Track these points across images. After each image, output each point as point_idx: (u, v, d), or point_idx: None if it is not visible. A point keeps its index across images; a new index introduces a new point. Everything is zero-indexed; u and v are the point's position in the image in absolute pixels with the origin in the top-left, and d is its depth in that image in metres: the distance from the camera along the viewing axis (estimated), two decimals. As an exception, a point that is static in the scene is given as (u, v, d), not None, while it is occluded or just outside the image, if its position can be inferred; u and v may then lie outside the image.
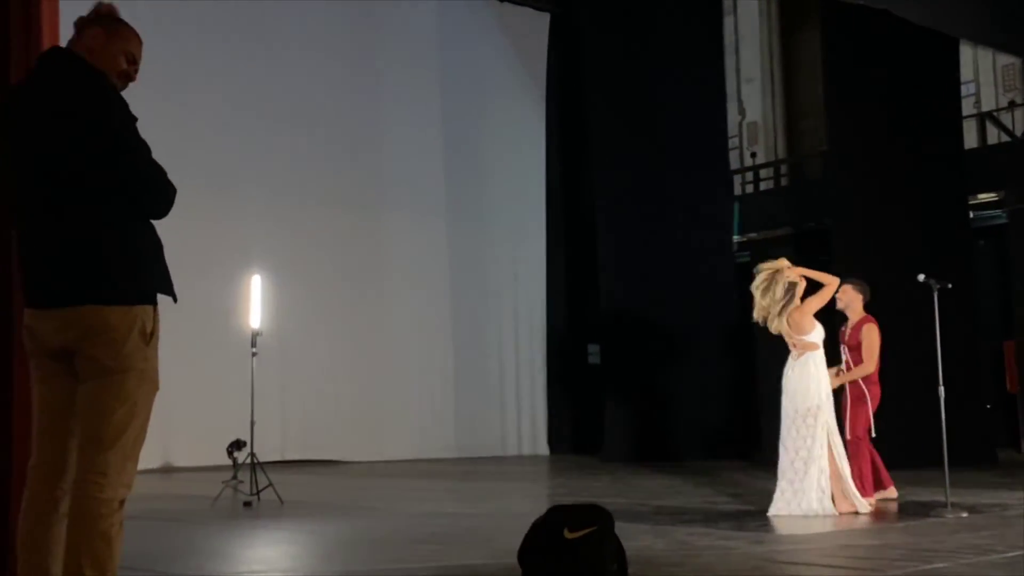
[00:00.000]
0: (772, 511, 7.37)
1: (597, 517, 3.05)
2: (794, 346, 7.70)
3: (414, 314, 15.68)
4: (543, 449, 16.78)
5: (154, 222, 3.29)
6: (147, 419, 3.33)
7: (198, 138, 13.62)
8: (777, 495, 7.45)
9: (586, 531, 2.97)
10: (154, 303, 3.28)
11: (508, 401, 16.67)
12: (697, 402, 14.40)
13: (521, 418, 16.77)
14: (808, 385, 7.55)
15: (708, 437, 14.24)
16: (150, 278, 3.26)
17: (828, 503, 7.35)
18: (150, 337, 3.23)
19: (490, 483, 11.49)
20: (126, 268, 3.17)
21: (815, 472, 7.40)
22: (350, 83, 15.32)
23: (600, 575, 2.92)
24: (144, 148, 3.20)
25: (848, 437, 8.02)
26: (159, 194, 3.20)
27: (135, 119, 3.23)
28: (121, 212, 3.16)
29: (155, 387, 3.31)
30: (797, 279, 7.74)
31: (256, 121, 14.33)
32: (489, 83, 16.74)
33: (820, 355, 7.62)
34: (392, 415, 15.19)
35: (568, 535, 2.98)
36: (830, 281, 7.72)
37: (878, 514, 7.44)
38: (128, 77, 3.33)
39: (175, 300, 3.33)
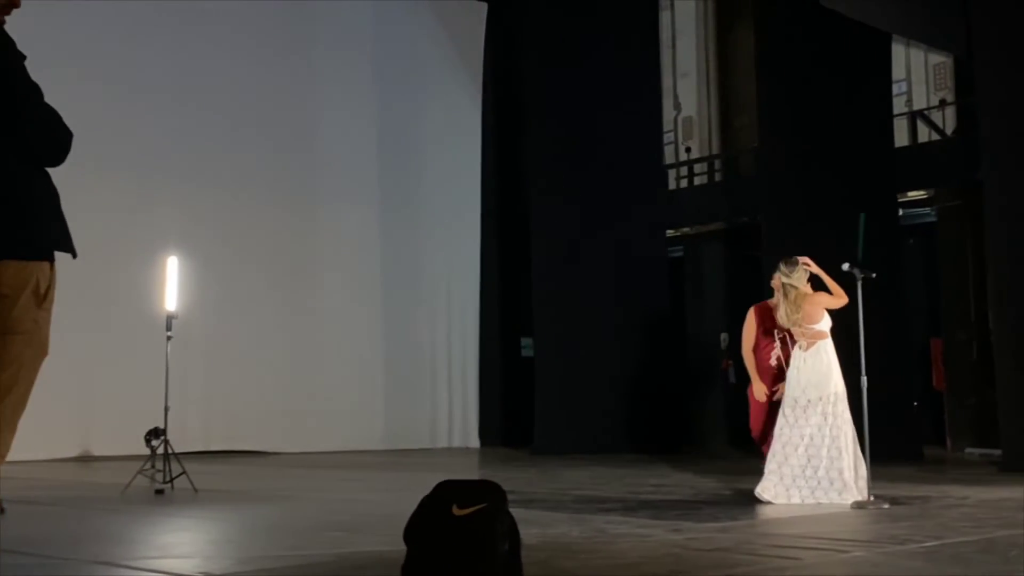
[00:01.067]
0: (799, 499, 7.30)
1: (488, 493, 2.91)
2: (802, 335, 7.65)
3: (345, 304, 15.52)
4: (474, 441, 16.68)
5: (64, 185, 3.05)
6: (30, 385, 3.08)
7: (123, 121, 13.40)
8: (790, 483, 7.38)
9: (476, 508, 2.83)
10: (51, 260, 3.04)
11: (439, 393, 16.55)
12: (628, 396, 14.37)
13: (452, 410, 16.65)
14: (830, 372, 7.55)
15: (638, 430, 14.21)
16: (46, 232, 3.01)
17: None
18: (44, 297, 2.99)
19: (415, 474, 11.32)
20: (19, 220, 2.92)
21: (848, 457, 7.36)
22: (283, 70, 15.12)
23: (490, 554, 2.77)
24: (36, 89, 2.97)
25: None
26: (54, 138, 2.97)
27: (24, 57, 2.99)
28: (11, 158, 2.91)
29: (44, 352, 3.06)
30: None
31: (186, 106, 14.16)
32: (425, 74, 16.59)
33: (831, 343, 7.66)
34: (321, 406, 15.00)
35: (457, 512, 2.84)
36: (841, 295, 7.65)
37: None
38: (11, 4, 3.01)
39: (74, 256, 3.10)
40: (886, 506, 7.04)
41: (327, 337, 15.27)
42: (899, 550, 5.06)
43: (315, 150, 15.46)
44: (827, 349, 7.64)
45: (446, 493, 2.92)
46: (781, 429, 7.55)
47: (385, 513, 6.50)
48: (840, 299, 7.69)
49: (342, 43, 15.71)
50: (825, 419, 7.46)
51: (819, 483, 7.39)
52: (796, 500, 7.36)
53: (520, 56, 15.68)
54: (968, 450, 13.46)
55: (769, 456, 7.60)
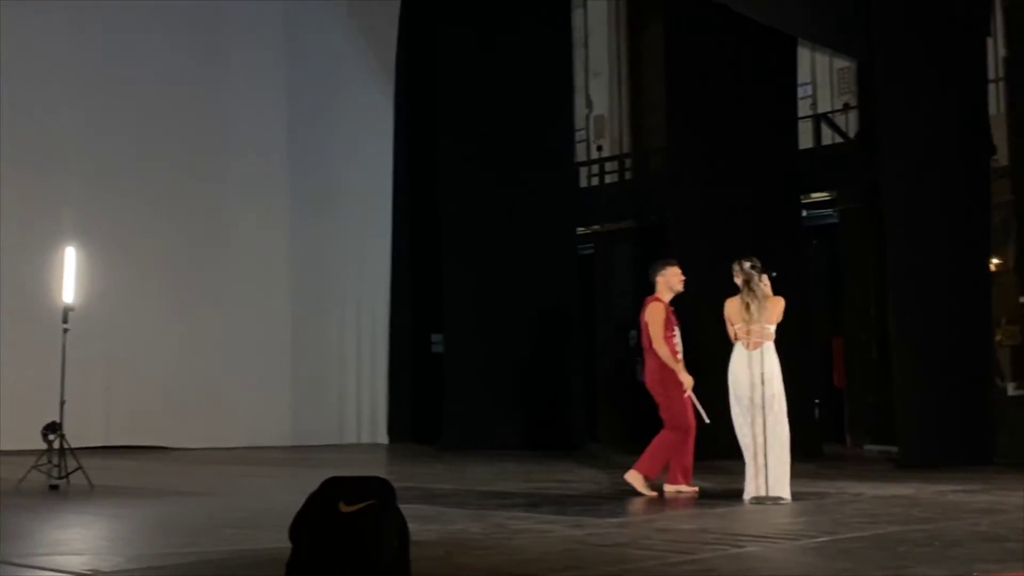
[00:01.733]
0: (754, 494, 7.41)
1: (376, 490, 2.88)
2: (759, 334, 7.77)
3: (252, 299, 15.34)
4: (382, 438, 16.61)
5: None
6: None
7: (24, 113, 13.16)
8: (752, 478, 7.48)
9: (364, 505, 2.81)
10: None
11: (348, 389, 16.46)
12: (537, 392, 14.41)
13: (361, 406, 16.56)
14: (776, 372, 7.78)
15: (547, 426, 14.26)
16: None
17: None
18: None
19: (322, 470, 11.20)
20: None
21: (787, 456, 7.61)
22: (191, 62, 14.92)
23: (377, 551, 2.75)
24: None
25: (676, 424, 8.00)
26: None
27: None
28: None
29: None
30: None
31: (89, 99, 13.97)
32: (337, 71, 16.47)
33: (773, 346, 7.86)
34: (225, 401, 14.82)
35: (344, 508, 2.81)
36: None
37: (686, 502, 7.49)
38: None
39: None
40: (783, 502, 7.16)
41: (233, 331, 15.07)
42: (793, 545, 5.16)
43: (222, 143, 15.25)
44: (773, 350, 7.82)
45: (333, 490, 2.89)
46: (741, 427, 7.66)
47: (284, 511, 6.43)
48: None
49: (252, 37, 15.52)
50: (775, 417, 7.66)
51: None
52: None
53: (433, 54, 15.63)
54: (867, 447, 13.75)
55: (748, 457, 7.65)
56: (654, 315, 8.12)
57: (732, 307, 7.88)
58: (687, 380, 8.06)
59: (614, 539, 5.33)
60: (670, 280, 8.30)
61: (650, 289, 8.40)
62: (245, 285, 15.30)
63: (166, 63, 14.62)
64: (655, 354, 8.06)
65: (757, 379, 7.62)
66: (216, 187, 15.13)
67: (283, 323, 15.77)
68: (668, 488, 7.89)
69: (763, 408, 7.58)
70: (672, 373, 8.02)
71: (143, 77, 14.40)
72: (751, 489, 7.46)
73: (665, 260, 8.56)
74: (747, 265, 7.86)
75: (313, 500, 2.90)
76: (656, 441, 8.00)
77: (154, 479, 9.65)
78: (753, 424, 7.60)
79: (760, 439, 7.52)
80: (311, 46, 16.18)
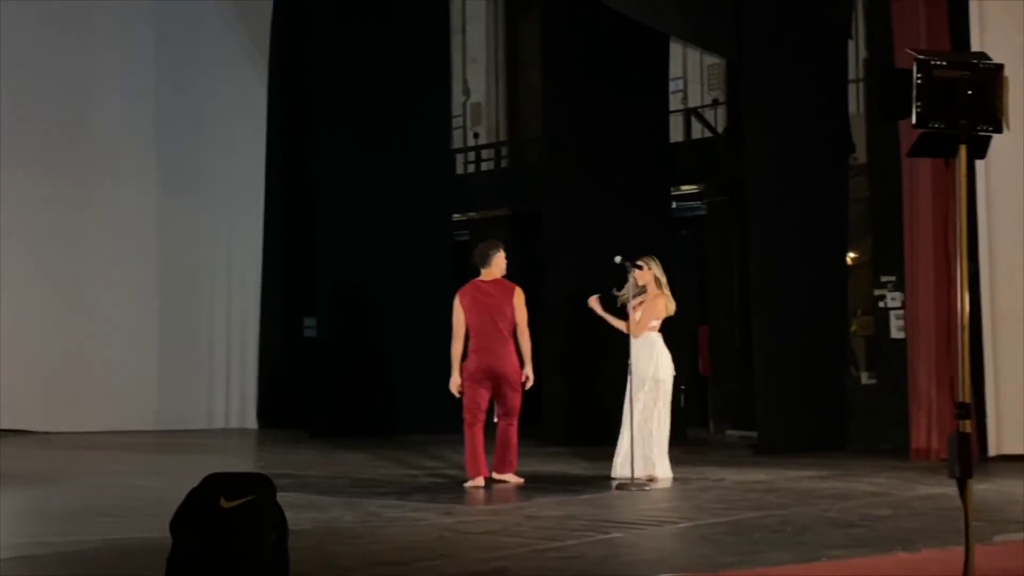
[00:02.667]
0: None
1: (256, 486, 2.96)
2: (653, 329, 8.40)
3: (119, 281, 15.01)
4: (252, 423, 16.44)
5: None
6: None
7: None
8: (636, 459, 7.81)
9: (244, 500, 2.88)
10: None
11: (217, 373, 16.22)
12: (410, 378, 14.45)
13: (230, 391, 16.36)
14: (663, 358, 8.38)
15: (422, 412, 14.31)
16: None
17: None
18: None
19: (190, 456, 11.15)
20: None
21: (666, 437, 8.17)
22: (60, 43, 14.48)
23: (257, 546, 2.83)
24: None
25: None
26: None
27: None
28: None
29: None
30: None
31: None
32: (209, 47, 16.15)
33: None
34: (91, 385, 14.50)
35: (224, 504, 2.88)
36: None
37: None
38: None
39: None
40: (647, 488, 7.42)
41: (98, 314, 14.73)
42: (655, 531, 5.39)
43: (91, 122, 14.85)
44: (658, 339, 8.50)
45: (214, 485, 2.96)
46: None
47: (155, 498, 6.41)
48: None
49: (120, 16, 15.13)
50: (662, 399, 8.30)
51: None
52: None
53: (308, 36, 15.49)
54: (729, 432, 14.19)
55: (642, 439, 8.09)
56: (523, 300, 8.01)
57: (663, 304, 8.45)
58: (531, 376, 8.03)
59: (485, 527, 5.48)
60: (502, 264, 8.13)
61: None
62: (111, 267, 14.96)
63: (30, 40, 14.18)
64: (512, 340, 7.89)
65: (644, 364, 8.35)
66: (82, 167, 14.75)
67: (150, 305, 15.48)
68: (509, 476, 7.82)
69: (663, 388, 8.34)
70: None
71: (5, 54, 13.96)
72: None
73: (495, 242, 8.40)
74: (653, 265, 8.47)
75: (194, 495, 2.96)
76: (511, 437, 7.90)
77: (16, 465, 9.43)
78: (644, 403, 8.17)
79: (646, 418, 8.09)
80: (182, 26, 15.85)
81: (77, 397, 14.29)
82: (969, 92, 3.09)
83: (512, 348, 7.93)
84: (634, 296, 8.38)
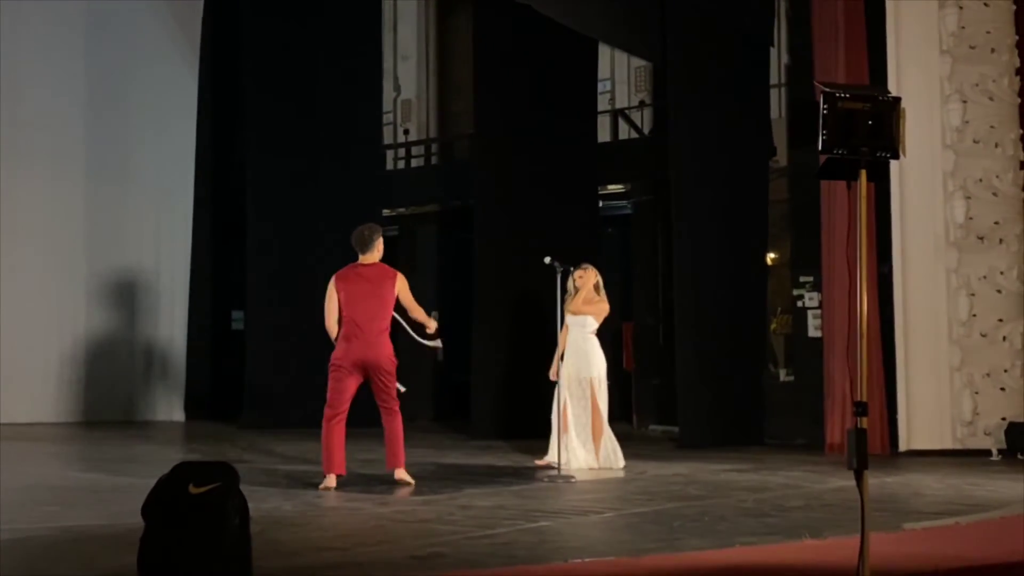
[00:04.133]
0: (577, 464, 8.50)
1: (221, 473, 3.20)
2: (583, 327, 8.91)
3: (44, 271, 14.87)
4: (179, 415, 16.44)
5: None
6: None
7: None
8: (575, 450, 8.59)
9: (210, 487, 3.11)
10: None
11: (144, 364, 16.19)
12: (338, 371, 14.57)
13: (157, 382, 16.34)
14: (599, 356, 9.00)
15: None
16: None
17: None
18: None
19: (121, 448, 11.20)
20: None
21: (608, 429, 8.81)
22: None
23: (222, 528, 3.07)
24: None
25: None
26: None
27: None
28: None
29: None
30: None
31: None
32: (139, 40, 16.07)
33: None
34: (14, 376, 14.38)
35: (193, 490, 3.11)
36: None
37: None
38: None
39: None
40: (573, 479, 7.72)
41: (21, 303, 14.58)
42: (581, 520, 5.67)
43: (15, 113, 14.72)
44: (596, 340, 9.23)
45: (183, 473, 3.18)
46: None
47: (97, 487, 6.57)
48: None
49: (52, 7, 15.01)
50: (600, 395, 9.01)
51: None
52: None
53: (239, 30, 15.51)
54: (651, 427, 14.56)
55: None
56: (406, 284, 7.81)
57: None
58: (434, 323, 7.92)
59: (419, 516, 5.73)
60: (382, 248, 7.94)
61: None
62: (36, 258, 14.81)
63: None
64: (388, 329, 7.63)
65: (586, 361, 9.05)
66: (8, 157, 14.58)
67: (76, 296, 15.37)
68: (405, 474, 7.53)
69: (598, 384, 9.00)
70: None
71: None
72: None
73: (375, 225, 8.24)
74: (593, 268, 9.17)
75: (164, 482, 3.18)
76: (397, 428, 7.65)
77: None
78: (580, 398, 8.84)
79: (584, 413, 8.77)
80: (112, 16, 15.76)
81: (2, 387, 14.18)
82: (870, 122, 3.43)
83: (387, 337, 7.64)
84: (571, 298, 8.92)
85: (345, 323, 7.62)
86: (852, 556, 3.90)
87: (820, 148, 3.49)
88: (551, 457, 8.46)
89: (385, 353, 7.57)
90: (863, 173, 3.50)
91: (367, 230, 7.94)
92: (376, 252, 7.82)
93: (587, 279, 9.03)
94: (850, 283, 3.68)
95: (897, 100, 3.52)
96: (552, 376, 8.99)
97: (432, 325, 7.81)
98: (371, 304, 7.59)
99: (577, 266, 9.08)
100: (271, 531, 4.97)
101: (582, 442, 8.80)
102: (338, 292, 7.70)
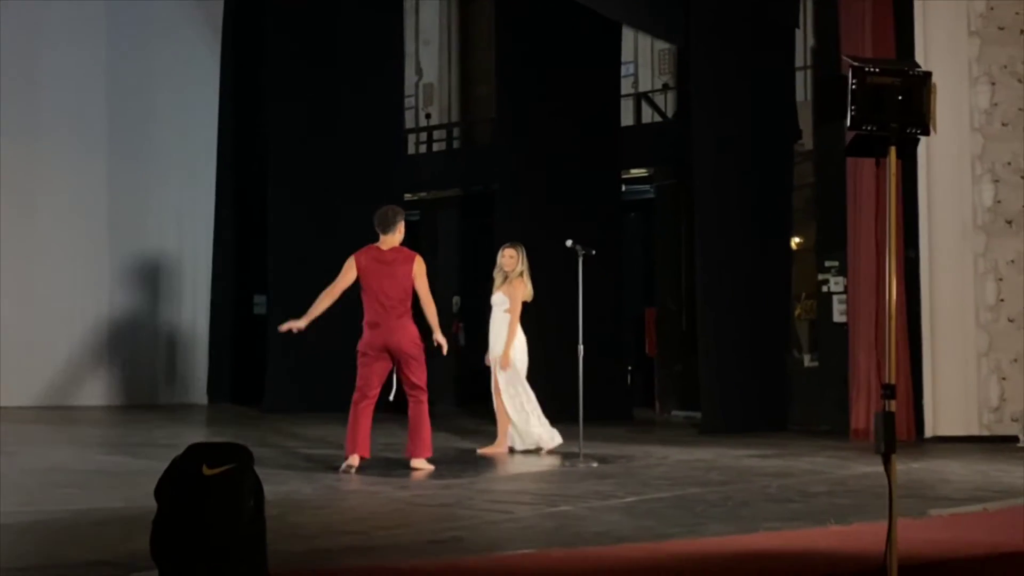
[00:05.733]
0: (520, 446, 8.51)
1: (236, 454, 3.14)
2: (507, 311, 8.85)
3: (67, 253, 14.87)
4: (201, 398, 16.45)
5: None
6: None
7: None
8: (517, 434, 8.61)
9: (224, 468, 3.06)
10: None
11: (167, 348, 16.20)
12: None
13: (179, 366, 16.34)
14: (504, 336, 8.85)
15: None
16: None
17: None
18: None
19: (142, 431, 11.21)
20: None
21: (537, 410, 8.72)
22: (7, 2, 14.32)
23: (236, 510, 3.02)
24: None
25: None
26: None
27: None
28: None
29: None
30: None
31: None
32: (160, 17, 16.06)
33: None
34: (38, 359, 14.41)
35: (207, 471, 3.06)
36: None
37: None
38: None
39: None
40: (595, 464, 7.65)
41: (46, 287, 14.60)
42: (602, 505, 5.61)
43: (37, 90, 14.70)
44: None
45: (197, 453, 3.13)
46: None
47: (118, 470, 6.56)
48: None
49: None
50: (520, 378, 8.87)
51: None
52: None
53: (261, 13, 15.46)
54: (674, 412, 14.47)
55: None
56: (424, 270, 7.64)
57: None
58: (444, 342, 7.71)
59: (439, 500, 5.68)
60: (403, 231, 7.81)
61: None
62: (59, 238, 14.81)
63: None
64: (410, 312, 7.50)
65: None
66: (31, 137, 14.59)
67: (99, 279, 15.36)
68: (423, 463, 7.31)
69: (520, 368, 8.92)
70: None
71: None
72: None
73: (397, 207, 8.14)
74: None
75: (177, 463, 3.13)
76: (421, 416, 7.45)
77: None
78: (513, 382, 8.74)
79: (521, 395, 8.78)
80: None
81: (24, 372, 14.21)
82: (900, 97, 3.33)
83: (409, 320, 7.49)
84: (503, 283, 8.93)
85: (368, 309, 7.55)
86: (878, 542, 3.82)
87: (848, 124, 3.40)
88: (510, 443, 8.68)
89: (408, 337, 7.42)
90: (893, 150, 3.41)
91: (391, 211, 7.83)
92: (398, 234, 7.72)
93: (515, 258, 9.01)
94: (878, 264, 3.59)
95: (928, 75, 3.42)
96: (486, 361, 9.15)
97: (438, 338, 7.67)
98: (392, 287, 7.47)
99: (510, 244, 9.07)
100: (290, 514, 4.94)
101: (526, 420, 8.84)
102: (358, 270, 7.59)
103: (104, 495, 5.42)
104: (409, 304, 7.50)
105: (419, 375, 7.46)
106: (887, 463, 3.35)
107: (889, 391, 3.37)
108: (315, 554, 4.05)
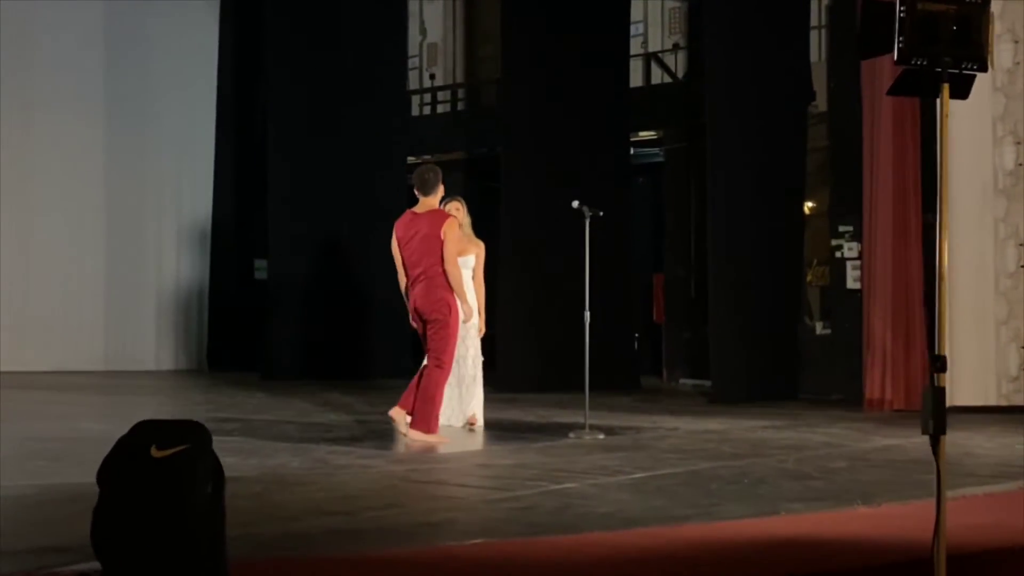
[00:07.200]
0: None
1: (190, 434, 2.77)
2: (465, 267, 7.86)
3: (65, 219, 14.69)
4: (202, 365, 16.23)
5: None
6: None
7: None
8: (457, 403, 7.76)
9: (177, 449, 2.70)
10: None
11: (166, 314, 15.98)
12: (364, 319, 14.29)
13: (179, 331, 16.12)
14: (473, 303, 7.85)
15: (376, 354, 14.18)
16: None
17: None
18: None
19: (136, 398, 10.91)
20: None
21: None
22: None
23: (190, 496, 2.66)
24: None
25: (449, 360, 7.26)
26: None
27: None
28: None
29: None
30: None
31: None
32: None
33: None
34: (36, 324, 14.21)
35: (156, 453, 2.70)
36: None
37: None
38: None
39: None
40: (601, 436, 7.30)
41: (44, 252, 14.43)
42: (609, 481, 5.27)
43: (34, 58, 14.42)
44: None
45: (145, 433, 2.77)
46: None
47: (97, 439, 6.20)
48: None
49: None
50: (473, 342, 8.04)
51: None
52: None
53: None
54: (682, 381, 14.18)
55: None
56: (454, 232, 7.22)
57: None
58: (469, 311, 7.43)
59: (435, 475, 5.35)
60: (441, 193, 7.43)
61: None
62: (58, 205, 14.63)
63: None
64: (443, 276, 7.08)
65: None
66: (28, 101, 14.34)
67: (97, 245, 15.17)
68: (416, 434, 6.83)
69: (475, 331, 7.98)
70: (455, 301, 7.14)
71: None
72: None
73: (435, 167, 7.73)
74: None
75: (123, 444, 2.78)
76: (429, 387, 6.96)
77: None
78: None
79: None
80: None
81: (22, 336, 14.00)
82: (954, 28, 2.94)
83: (435, 284, 7.07)
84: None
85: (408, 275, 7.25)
86: (912, 526, 3.48)
87: (896, 59, 3.00)
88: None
89: (431, 300, 7.05)
90: (946, 88, 3.02)
91: (430, 172, 7.42)
92: (437, 195, 7.35)
93: (463, 214, 7.99)
94: (941, 224, 3.19)
95: (986, 3, 3.03)
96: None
97: (465, 309, 7.30)
98: (417, 250, 7.12)
99: (451, 198, 8.04)
100: (272, 491, 4.60)
101: (471, 393, 7.97)
102: (397, 241, 7.26)
103: (72, 469, 5.08)
104: (437, 266, 7.09)
105: (437, 342, 7.03)
106: (935, 445, 2.99)
107: (940, 363, 3.00)
108: (290, 539, 3.68)
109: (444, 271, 7.04)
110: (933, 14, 2.94)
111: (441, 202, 7.57)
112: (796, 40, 12.41)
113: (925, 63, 2.99)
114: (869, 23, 3.02)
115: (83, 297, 14.95)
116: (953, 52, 2.99)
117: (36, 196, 14.44)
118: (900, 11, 2.92)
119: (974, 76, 3.08)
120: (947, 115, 3.09)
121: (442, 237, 7.08)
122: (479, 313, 8.02)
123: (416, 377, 7.13)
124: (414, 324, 7.30)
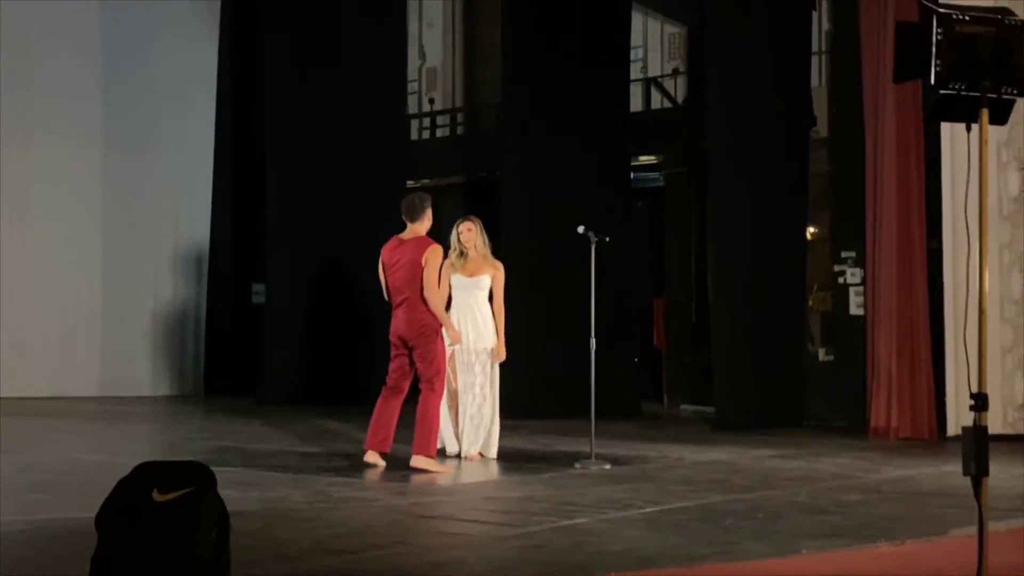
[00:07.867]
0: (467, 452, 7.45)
1: (195, 477, 2.64)
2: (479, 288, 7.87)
3: (61, 242, 14.59)
4: (198, 390, 16.09)
5: None
6: None
7: None
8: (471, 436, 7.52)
9: (180, 493, 2.57)
10: None
11: (162, 339, 15.87)
12: (362, 345, 14.16)
13: (175, 357, 16.00)
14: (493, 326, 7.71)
15: (373, 381, 13.97)
16: None
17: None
18: None
19: (134, 425, 10.77)
20: None
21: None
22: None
23: (194, 544, 2.53)
24: None
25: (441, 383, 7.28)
26: None
27: None
28: None
29: None
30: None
31: None
32: (158, 7, 15.68)
33: None
34: (30, 348, 14.07)
35: (158, 497, 2.57)
36: None
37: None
38: None
39: None
40: (607, 466, 7.17)
41: (39, 275, 14.31)
42: (620, 516, 5.13)
43: (36, 83, 14.35)
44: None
45: (146, 476, 2.64)
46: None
47: (93, 473, 6.08)
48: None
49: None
50: (483, 370, 7.72)
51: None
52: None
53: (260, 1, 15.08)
54: (683, 406, 14.06)
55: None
56: (436, 259, 7.17)
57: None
58: (456, 336, 7.39)
59: (441, 509, 5.21)
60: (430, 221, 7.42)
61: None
62: (54, 228, 14.53)
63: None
64: (412, 302, 7.08)
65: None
66: (26, 125, 14.25)
67: (94, 268, 15.07)
68: (419, 460, 6.80)
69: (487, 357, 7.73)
70: (439, 325, 7.16)
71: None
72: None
73: (425, 195, 7.68)
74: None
75: (123, 486, 2.64)
76: (425, 409, 6.98)
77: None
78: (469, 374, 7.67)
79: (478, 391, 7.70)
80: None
81: (16, 361, 13.86)
82: (993, 51, 2.83)
83: (414, 308, 7.08)
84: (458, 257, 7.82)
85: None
86: (942, 565, 3.33)
87: (933, 82, 2.89)
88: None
89: (412, 324, 7.07)
90: (985, 113, 2.91)
91: (417, 199, 7.49)
92: (424, 223, 7.38)
93: (476, 233, 7.89)
94: (981, 252, 3.06)
95: (1025, 25, 2.92)
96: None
97: (451, 334, 7.35)
98: (399, 276, 7.16)
99: (465, 218, 7.99)
100: (274, 527, 4.46)
101: (476, 424, 7.61)
102: (383, 267, 7.32)
103: (68, 502, 4.93)
104: (417, 291, 7.12)
105: (424, 365, 7.07)
106: (977, 487, 2.86)
107: (981, 401, 2.87)
108: (298, 580, 3.55)
109: (417, 298, 7.06)
110: (971, 36, 2.84)
111: (456, 223, 7.59)
112: (797, 65, 12.36)
113: (963, 87, 2.89)
114: (903, 46, 2.90)
115: (79, 322, 14.84)
116: (992, 76, 2.88)
117: (33, 220, 14.35)
118: (937, 34, 2.81)
119: (1013, 101, 2.98)
120: (986, 142, 2.98)
121: (423, 264, 7.07)
122: (499, 336, 7.77)
123: (377, 409, 7.16)
124: (393, 347, 7.27)
